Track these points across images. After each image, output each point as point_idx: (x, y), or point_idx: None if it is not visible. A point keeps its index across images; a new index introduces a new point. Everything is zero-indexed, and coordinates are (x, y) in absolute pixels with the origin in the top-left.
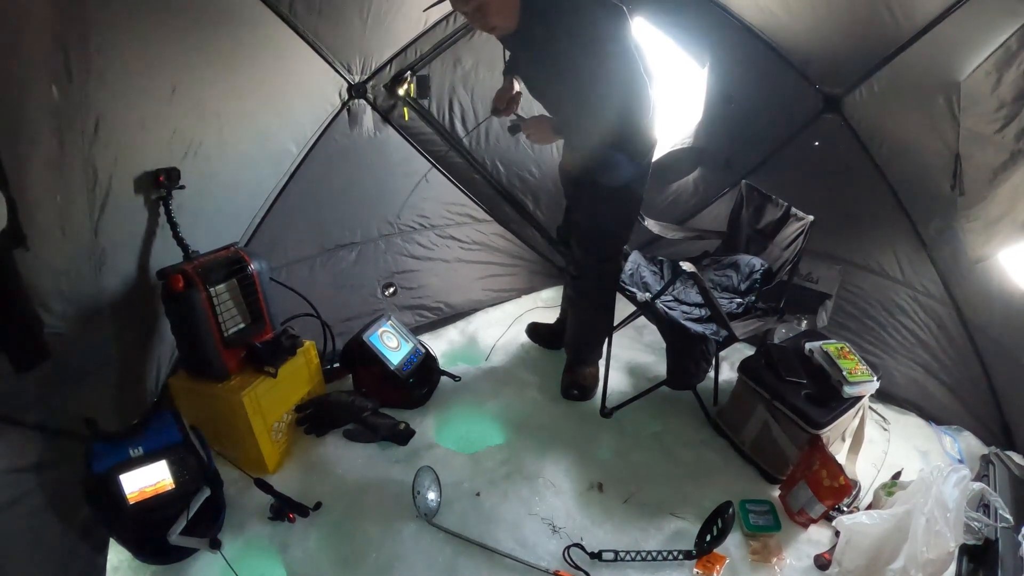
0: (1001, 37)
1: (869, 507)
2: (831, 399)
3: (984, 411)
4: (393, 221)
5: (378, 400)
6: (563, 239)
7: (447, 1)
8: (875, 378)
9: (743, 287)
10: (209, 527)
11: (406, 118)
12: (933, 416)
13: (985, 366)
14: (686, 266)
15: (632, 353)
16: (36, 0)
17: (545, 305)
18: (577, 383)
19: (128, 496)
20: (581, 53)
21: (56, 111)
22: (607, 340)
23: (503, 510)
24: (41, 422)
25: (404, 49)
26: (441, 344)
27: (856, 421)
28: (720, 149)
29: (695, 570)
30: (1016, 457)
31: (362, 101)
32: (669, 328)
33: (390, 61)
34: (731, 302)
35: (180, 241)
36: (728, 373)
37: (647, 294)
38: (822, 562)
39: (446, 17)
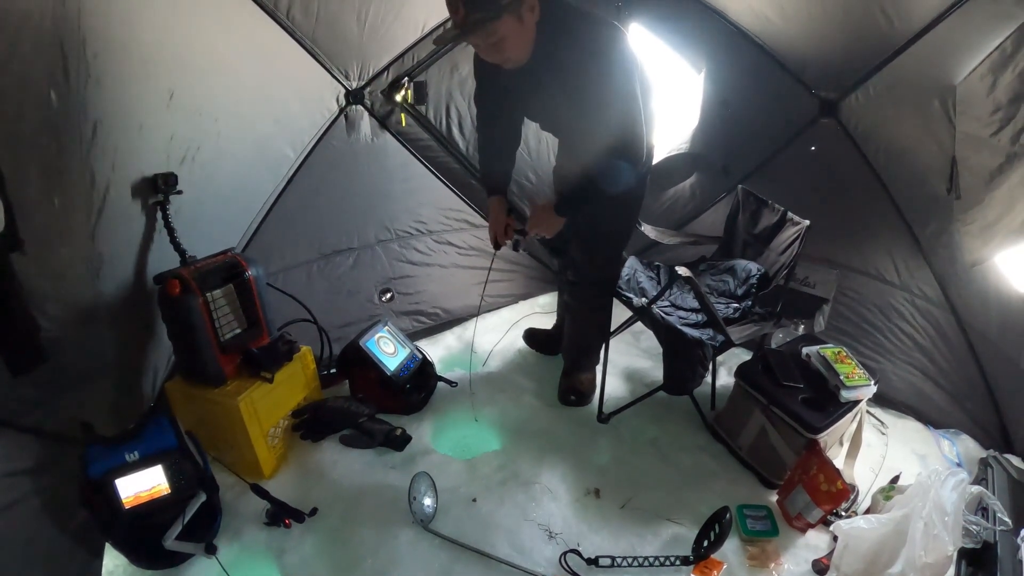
0: (996, 40)
1: (867, 511)
2: (828, 403)
3: (982, 414)
4: (390, 226)
5: (375, 406)
6: (550, 244)
7: (461, 32)
8: (872, 382)
9: (740, 292)
10: (205, 532)
11: (403, 124)
12: (931, 420)
13: (983, 369)
14: (682, 271)
15: (629, 358)
16: (35, 5)
17: (542, 311)
18: (575, 388)
19: (124, 501)
20: (589, 74)
21: (54, 116)
22: (604, 345)
23: (499, 516)
24: (37, 426)
25: (401, 55)
26: (438, 350)
27: (854, 425)
28: (717, 154)
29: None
30: (1014, 460)
31: (359, 107)
32: (666, 333)
33: (387, 67)
34: (728, 307)
35: (177, 246)
36: (725, 378)
37: (643, 299)
38: (820, 567)
39: (444, 23)
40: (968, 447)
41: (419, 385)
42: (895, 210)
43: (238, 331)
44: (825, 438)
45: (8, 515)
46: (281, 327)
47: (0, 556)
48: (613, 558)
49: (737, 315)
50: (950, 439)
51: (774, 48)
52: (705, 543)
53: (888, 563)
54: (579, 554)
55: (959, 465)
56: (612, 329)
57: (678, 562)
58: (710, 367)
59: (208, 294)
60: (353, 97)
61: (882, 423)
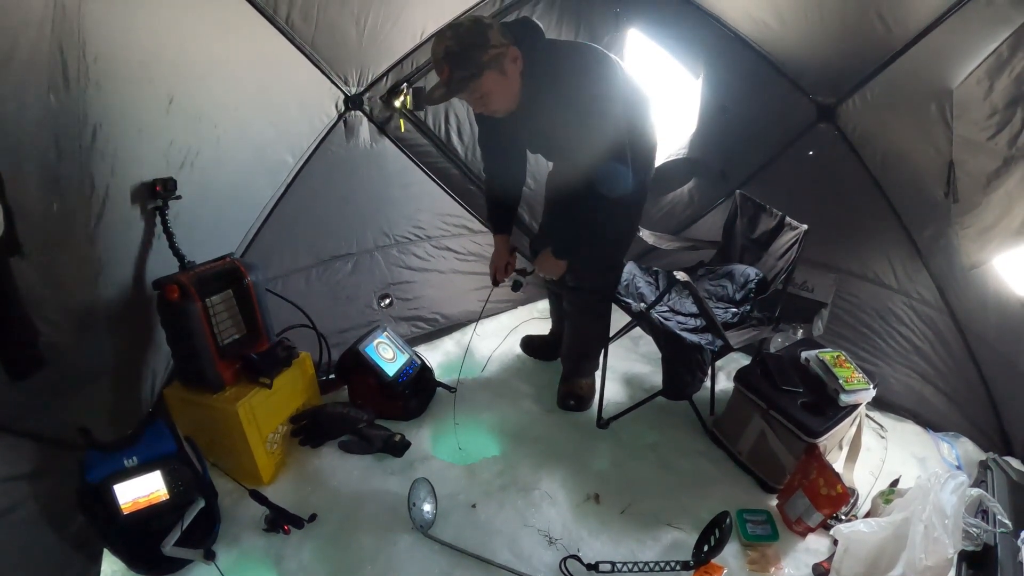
0: (993, 44)
1: (867, 515)
2: (827, 408)
3: (981, 417)
4: (389, 232)
5: (374, 412)
6: (537, 253)
7: (447, 90)
8: (871, 386)
9: (738, 297)
10: (204, 538)
11: (402, 130)
12: (931, 423)
13: (982, 372)
14: (680, 276)
15: (628, 364)
16: (34, 8)
17: (541, 316)
18: (574, 394)
19: (122, 506)
20: (578, 103)
21: (54, 119)
22: (603, 351)
23: (499, 522)
24: (35, 430)
25: (400, 61)
26: (437, 355)
27: (853, 429)
28: (715, 159)
29: None
30: (1014, 462)
31: (358, 113)
32: (664, 338)
33: (386, 73)
34: (726, 312)
35: (176, 251)
36: (724, 383)
37: (642, 304)
38: (820, 571)
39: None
40: (967, 450)
41: (418, 391)
42: (893, 214)
43: (237, 337)
44: (824, 442)
45: (6, 520)
46: (280, 333)
47: None
48: (613, 563)
49: (736, 320)
50: (949, 442)
51: (771, 53)
52: (705, 548)
53: (888, 566)
54: (579, 559)
55: (959, 468)
56: (611, 335)
57: (678, 567)
58: (709, 372)
59: (207, 300)
60: (352, 103)
61: (881, 427)
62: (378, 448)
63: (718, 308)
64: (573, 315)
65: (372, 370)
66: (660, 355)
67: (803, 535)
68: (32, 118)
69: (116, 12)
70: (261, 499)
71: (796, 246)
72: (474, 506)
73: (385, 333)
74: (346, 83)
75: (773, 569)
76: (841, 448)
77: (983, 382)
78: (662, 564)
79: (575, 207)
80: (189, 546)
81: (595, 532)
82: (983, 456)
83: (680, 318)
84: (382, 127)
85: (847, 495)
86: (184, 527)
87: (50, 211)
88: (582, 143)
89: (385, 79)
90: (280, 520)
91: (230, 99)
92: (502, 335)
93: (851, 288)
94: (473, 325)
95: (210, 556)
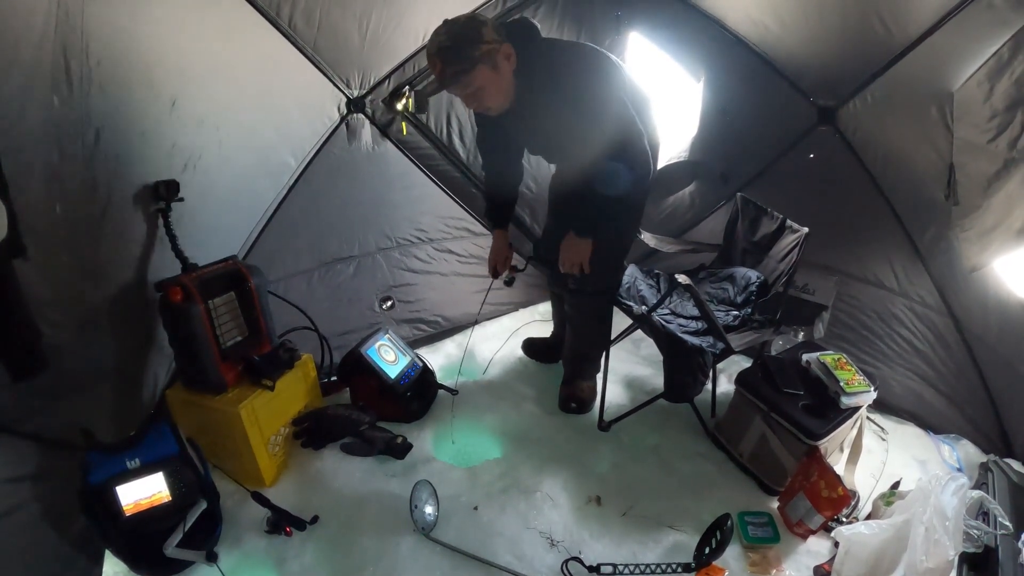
0: (993, 47)
1: (868, 517)
2: (829, 410)
3: (982, 419)
4: (391, 234)
5: (375, 414)
6: (541, 257)
7: (439, 84)
8: (872, 388)
9: (739, 299)
10: (206, 540)
11: (404, 132)
12: (931, 425)
13: (982, 374)
14: (681, 278)
15: (629, 366)
16: (37, 11)
17: (542, 318)
18: (575, 396)
19: (124, 508)
20: (575, 100)
21: (57, 121)
22: (605, 354)
23: (501, 524)
24: (37, 432)
25: (402, 64)
26: (438, 358)
27: (854, 432)
28: (716, 162)
29: None
30: (1015, 464)
31: (361, 115)
32: (666, 341)
33: (388, 76)
34: (727, 314)
35: (179, 253)
36: (726, 385)
37: (643, 307)
38: (822, 573)
39: None
40: (968, 452)
41: (419, 393)
42: (893, 217)
43: (239, 339)
44: (825, 444)
45: (8, 521)
46: (282, 335)
47: (0, 562)
48: (615, 566)
49: (737, 323)
50: (950, 444)
51: (772, 56)
52: (706, 550)
53: (889, 568)
54: (580, 562)
55: (960, 470)
56: (612, 337)
57: (680, 569)
58: (710, 374)
59: (209, 302)
60: (354, 106)
61: (882, 429)
62: (380, 450)
63: (719, 311)
64: (574, 318)
65: (374, 372)
66: (661, 358)
67: (804, 537)
68: (35, 120)
69: (119, 15)
70: (263, 501)
71: (797, 249)
72: (476, 508)
73: (387, 335)
74: (348, 86)
75: (774, 571)
76: (842, 450)
77: (984, 384)
78: (663, 566)
79: (582, 204)
80: (191, 548)
81: (596, 534)
82: (984, 458)
83: (681, 321)
84: (384, 130)
85: (848, 497)
86: (186, 529)
87: (53, 213)
88: (581, 141)
89: (387, 82)
90: (282, 522)
91: (233, 102)
92: (503, 337)
93: (852, 290)
94: (472, 328)
95: (212, 558)
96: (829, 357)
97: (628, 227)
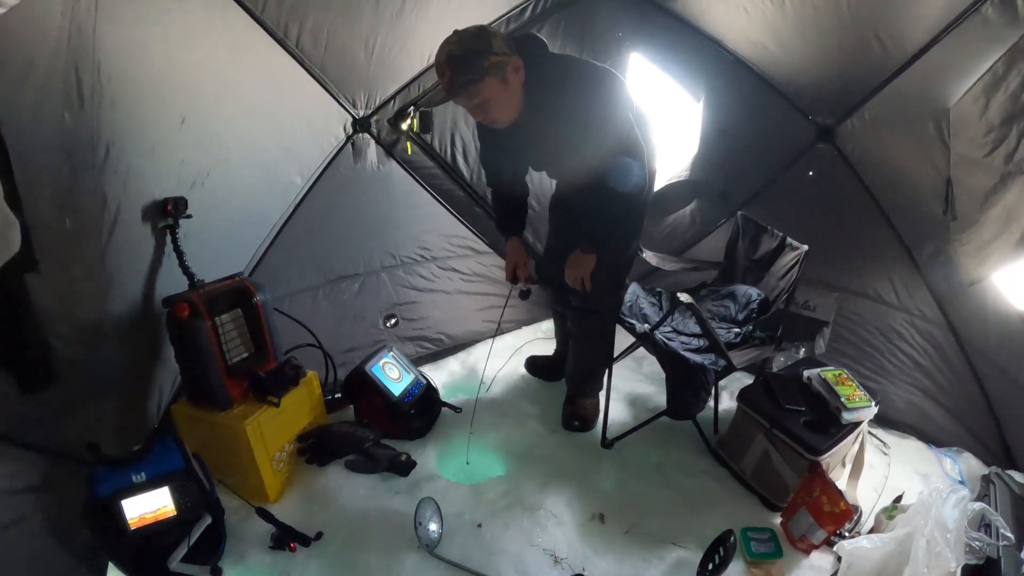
0: (988, 62)
1: (871, 531)
2: (830, 426)
3: (984, 432)
4: (395, 253)
5: (379, 431)
6: (544, 275)
7: (447, 93)
8: (873, 403)
9: (741, 317)
10: (210, 555)
11: (409, 152)
12: (933, 439)
13: (983, 387)
14: (683, 297)
15: (632, 384)
16: (50, 28)
17: (546, 336)
18: (578, 414)
19: (129, 522)
20: (581, 118)
21: (68, 136)
22: (607, 371)
23: (505, 541)
24: (43, 443)
25: (408, 85)
26: (442, 375)
27: (856, 446)
28: (716, 181)
29: None
30: (1017, 476)
31: (366, 135)
32: (668, 359)
33: (394, 96)
34: (729, 332)
35: (186, 270)
36: (728, 402)
37: (646, 325)
38: None
39: None
40: (971, 464)
41: (423, 411)
42: (893, 232)
43: (245, 355)
44: (827, 460)
45: (13, 532)
46: (287, 352)
47: (4, 570)
48: None
49: (738, 340)
50: (952, 457)
51: (771, 75)
52: (710, 566)
53: None
54: None
55: (962, 483)
56: (615, 355)
57: None
58: (712, 392)
59: (216, 318)
60: (360, 125)
61: (884, 443)
62: (384, 467)
63: (721, 328)
64: (577, 336)
65: (378, 390)
66: (664, 375)
67: (807, 552)
68: (47, 135)
69: (130, 33)
70: (267, 517)
71: (797, 267)
72: (480, 525)
73: (391, 353)
74: (354, 106)
75: None
76: (844, 465)
77: (985, 397)
78: None
79: (584, 221)
80: (195, 563)
81: (600, 551)
82: (986, 470)
83: (684, 339)
84: (389, 149)
85: (850, 512)
86: (191, 543)
87: (62, 227)
88: (584, 158)
89: (392, 102)
90: (286, 538)
91: (241, 120)
92: (507, 355)
93: (852, 306)
94: (477, 345)
95: (216, 573)
96: (830, 373)
97: (629, 245)
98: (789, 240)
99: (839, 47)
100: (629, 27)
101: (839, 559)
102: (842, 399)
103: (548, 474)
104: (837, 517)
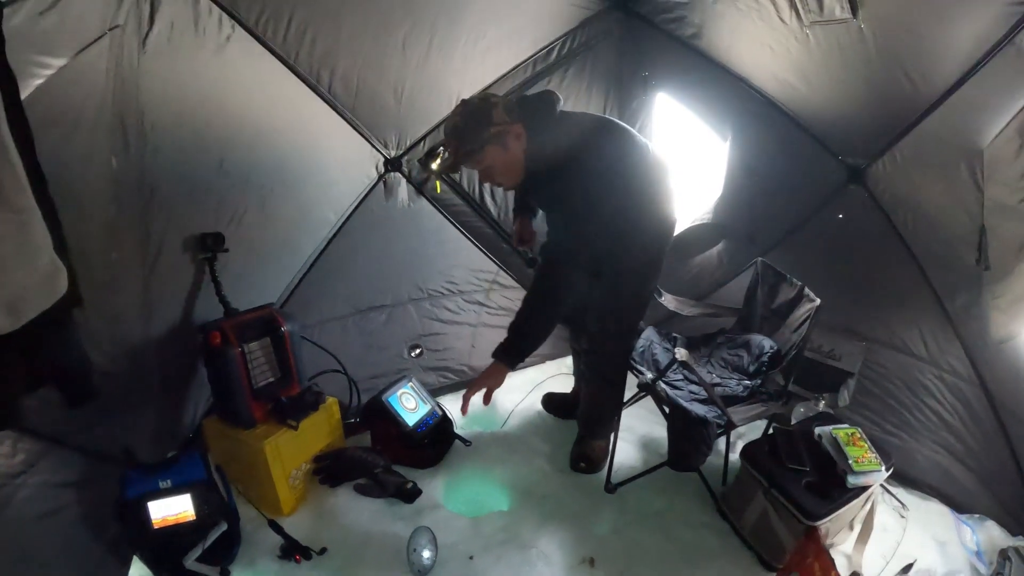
0: (1022, 99)
1: None
2: (833, 489)
3: (1011, 499)
4: (423, 286)
5: (391, 458)
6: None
7: (453, 161)
8: (884, 467)
9: (752, 368)
10: (223, 558)
11: (438, 190)
12: (956, 503)
13: (1014, 450)
14: (680, 355)
15: (648, 426)
16: (97, 82)
17: (569, 372)
18: (586, 456)
19: (154, 521)
20: (572, 210)
21: (115, 179)
22: (617, 416)
23: (493, 575)
24: (83, 445)
25: (437, 126)
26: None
27: (866, 509)
28: (743, 223)
29: None
30: None
31: (397, 174)
32: (670, 409)
33: (424, 137)
34: (739, 384)
35: (222, 299)
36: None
37: (650, 374)
38: None
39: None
40: (992, 535)
41: (436, 441)
42: (924, 280)
43: (271, 379)
44: (827, 525)
45: (53, 519)
46: (313, 376)
47: (43, 553)
48: None
49: (746, 393)
50: (972, 527)
51: (799, 114)
52: None
53: None
54: None
55: (978, 554)
56: (625, 400)
57: None
58: (724, 443)
59: (245, 346)
60: (391, 165)
61: (903, 505)
62: (390, 493)
63: (731, 379)
64: (589, 377)
65: (393, 419)
66: None
67: None
68: (96, 178)
69: (170, 85)
70: (278, 529)
71: (808, 321)
72: (471, 558)
73: (410, 383)
74: (386, 146)
75: None
76: (851, 528)
77: (1015, 461)
78: None
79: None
80: (209, 563)
81: None
82: (1010, 541)
83: (693, 388)
84: (419, 188)
85: None
86: (206, 546)
87: (108, 258)
88: (569, 234)
89: (422, 143)
90: (293, 549)
91: (277, 161)
92: (526, 389)
93: (878, 357)
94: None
95: (226, 574)
96: (842, 431)
97: (643, 293)
98: (807, 291)
99: (867, 85)
100: (655, 67)
101: None
102: (850, 461)
103: (548, 514)
104: None
